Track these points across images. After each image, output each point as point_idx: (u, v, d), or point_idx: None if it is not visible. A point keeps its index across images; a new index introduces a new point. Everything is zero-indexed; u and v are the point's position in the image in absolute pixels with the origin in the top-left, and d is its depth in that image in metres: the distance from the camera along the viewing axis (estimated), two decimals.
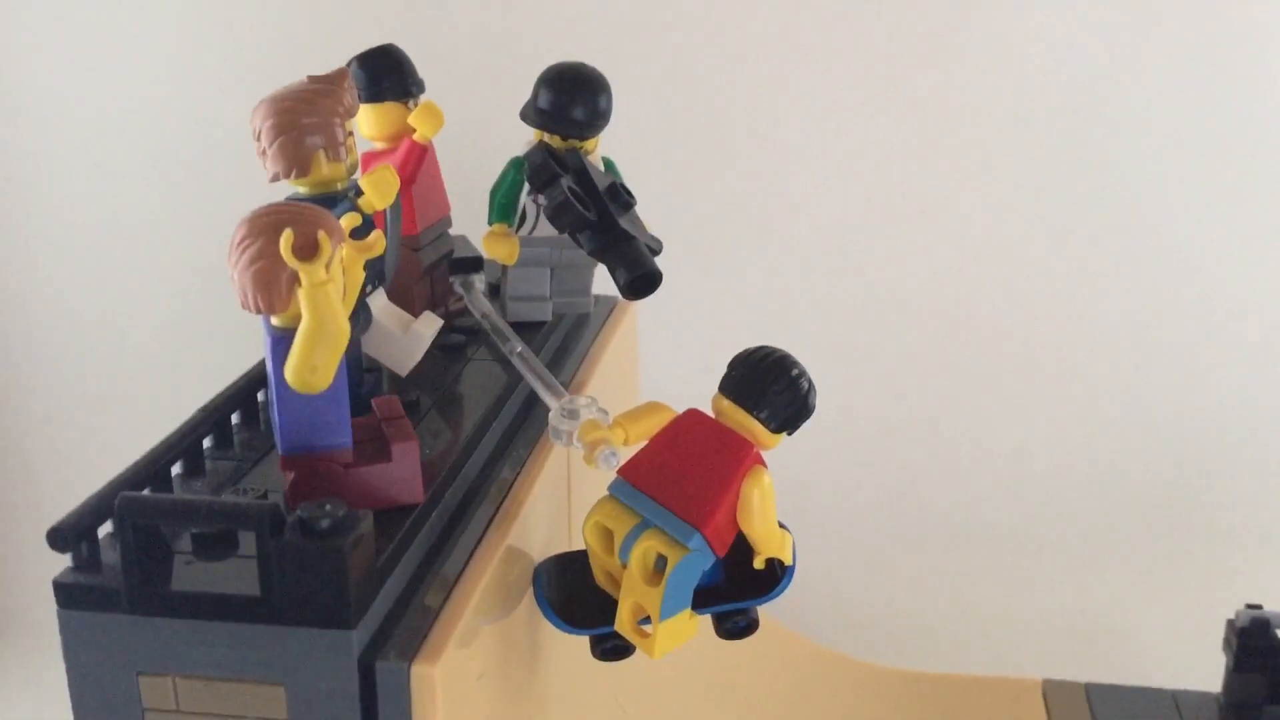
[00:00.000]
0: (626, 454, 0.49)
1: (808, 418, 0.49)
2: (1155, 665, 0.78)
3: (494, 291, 0.67)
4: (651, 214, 0.61)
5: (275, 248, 0.40)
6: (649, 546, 0.47)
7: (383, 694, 0.40)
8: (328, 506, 0.39)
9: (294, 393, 0.42)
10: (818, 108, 0.96)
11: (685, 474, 0.48)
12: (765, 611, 0.77)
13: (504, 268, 0.63)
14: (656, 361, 0.79)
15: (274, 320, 0.42)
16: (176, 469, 0.47)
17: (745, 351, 0.49)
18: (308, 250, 0.41)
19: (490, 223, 0.61)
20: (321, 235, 0.41)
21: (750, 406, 0.48)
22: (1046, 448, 0.96)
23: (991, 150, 0.96)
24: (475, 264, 0.66)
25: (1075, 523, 0.92)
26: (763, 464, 0.48)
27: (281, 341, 0.42)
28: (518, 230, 0.62)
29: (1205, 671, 0.75)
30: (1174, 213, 0.96)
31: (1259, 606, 0.72)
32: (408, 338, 0.54)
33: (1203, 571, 0.85)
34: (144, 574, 0.39)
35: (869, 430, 0.99)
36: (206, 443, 0.49)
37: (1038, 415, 0.96)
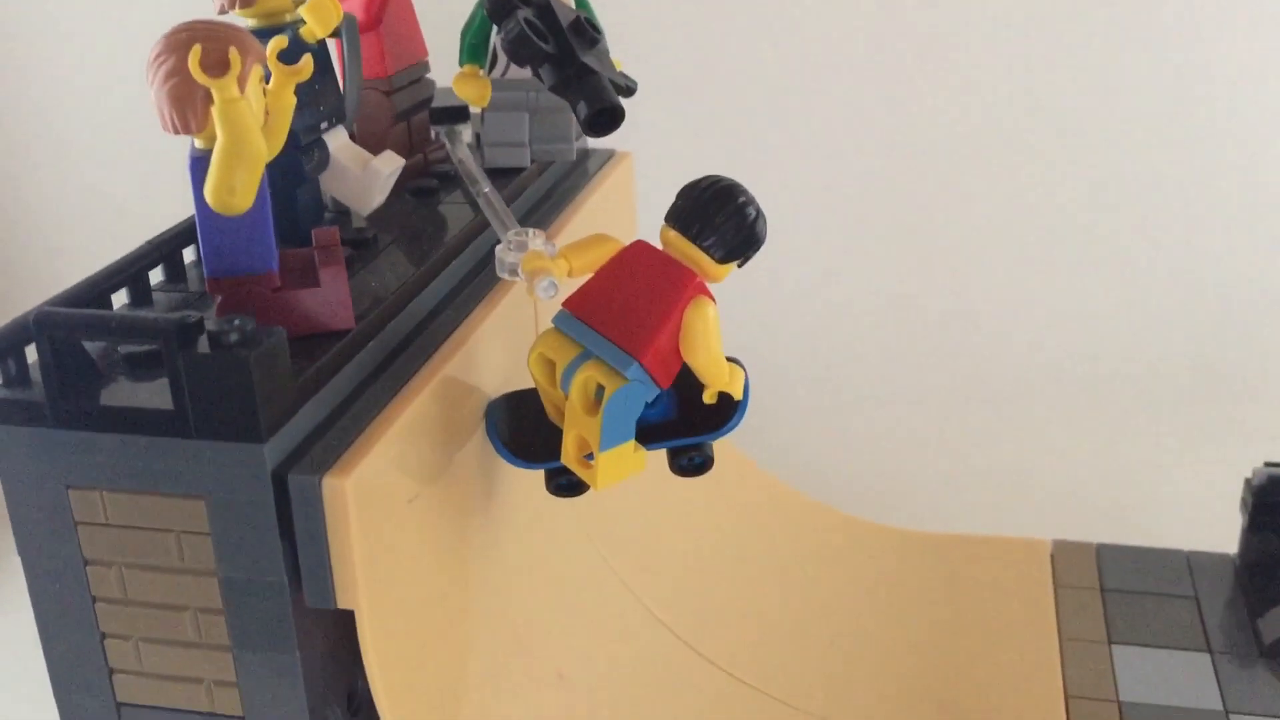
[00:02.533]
0: (572, 286, 0.49)
1: (756, 248, 0.48)
2: (1173, 528, 0.76)
3: (480, 143, 0.67)
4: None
5: (187, 65, 0.40)
6: (588, 376, 0.47)
7: (296, 507, 0.40)
8: (236, 321, 0.39)
9: (216, 215, 0.42)
10: None
11: (628, 305, 0.47)
12: (768, 469, 0.77)
13: (483, 113, 0.62)
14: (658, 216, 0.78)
15: (196, 142, 0.43)
16: (124, 298, 0.48)
17: (693, 181, 0.48)
18: (218, 67, 0.40)
19: (460, 64, 0.60)
20: (232, 51, 0.40)
21: (695, 236, 0.47)
22: (1063, 315, 0.95)
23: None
24: (459, 114, 0.65)
25: (1091, 389, 0.90)
26: (707, 294, 0.47)
27: (199, 162, 0.42)
28: (489, 72, 0.61)
29: (1223, 534, 0.72)
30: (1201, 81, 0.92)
31: (1278, 465, 0.69)
32: (366, 175, 0.53)
33: (1221, 435, 0.83)
34: (65, 387, 0.40)
35: (886, 296, 0.98)
36: (161, 277, 0.50)
37: (1056, 282, 0.95)
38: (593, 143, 0.74)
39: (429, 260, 0.53)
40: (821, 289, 0.97)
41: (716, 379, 0.48)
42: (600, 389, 0.46)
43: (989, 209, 0.97)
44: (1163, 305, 0.94)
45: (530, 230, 0.50)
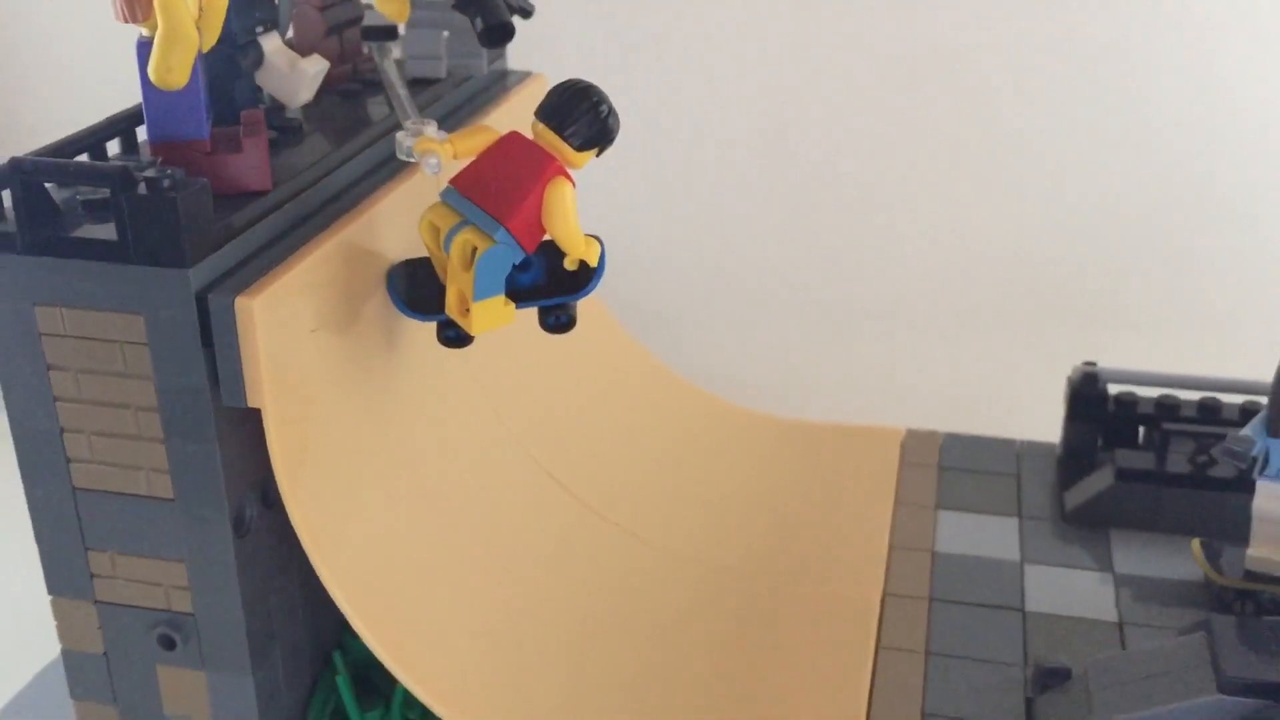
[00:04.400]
0: (456, 168, 0.59)
1: (609, 141, 0.58)
2: (1017, 422, 0.87)
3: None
4: None
5: None
6: (465, 239, 0.57)
7: (215, 322, 0.50)
8: (169, 171, 0.49)
9: (157, 90, 0.52)
10: None
11: (500, 182, 0.57)
12: (651, 348, 0.87)
13: (407, 29, 0.72)
14: None
15: (142, 30, 0.53)
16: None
17: (559, 83, 0.58)
18: None
19: None
20: None
21: (557, 127, 0.57)
22: (921, 233, 1.08)
23: None
24: (389, 32, 0.75)
25: (950, 303, 1.03)
26: (566, 176, 0.57)
27: (144, 46, 0.52)
28: None
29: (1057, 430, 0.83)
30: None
31: (1093, 364, 0.80)
32: (293, 74, 0.63)
33: (1056, 341, 0.94)
34: (32, 221, 0.50)
35: (768, 204, 1.10)
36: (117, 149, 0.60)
37: (918, 203, 1.08)
38: (512, 63, 0.84)
39: (345, 144, 0.63)
40: (722, 210, 1.10)
41: (574, 248, 0.58)
42: (475, 250, 0.57)
43: (851, 136, 1.09)
44: (1009, 228, 1.08)
45: (426, 120, 0.60)
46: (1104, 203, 1.07)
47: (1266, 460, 0.64)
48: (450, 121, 0.72)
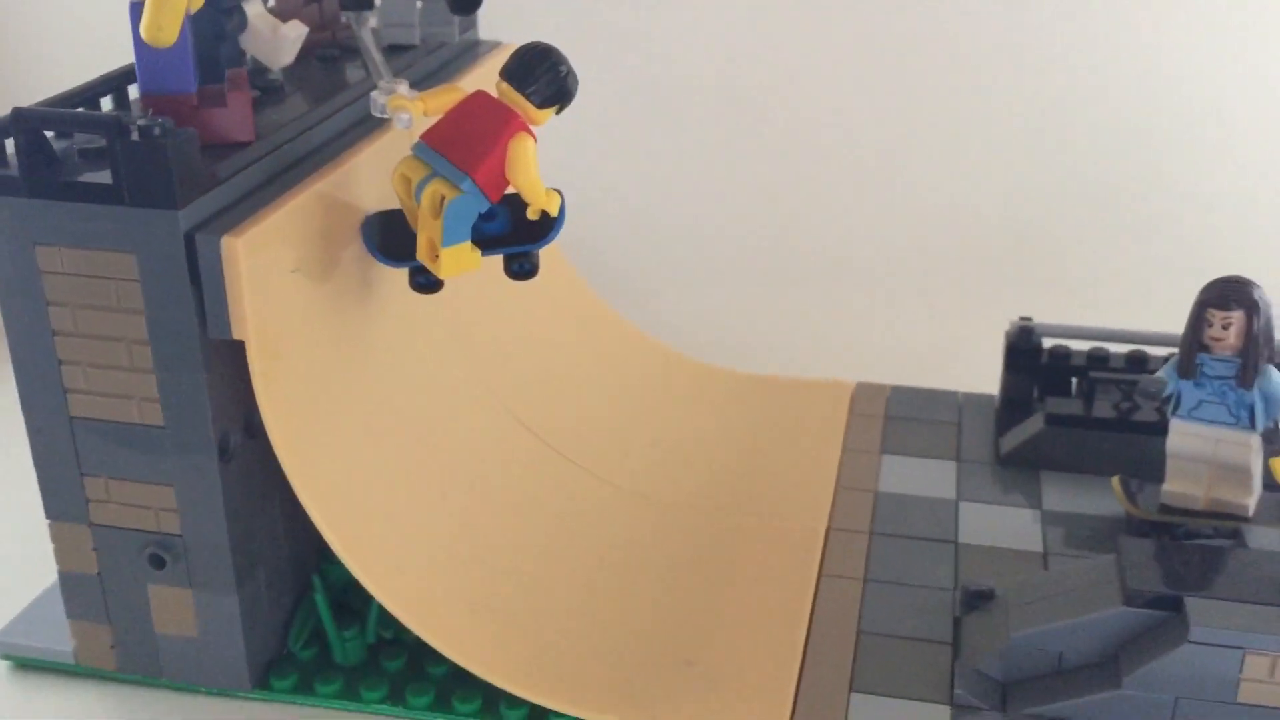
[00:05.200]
0: (427, 124, 0.63)
1: (568, 99, 0.62)
2: (962, 376, 0.92)
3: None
4: None
5: None
6: (434, 189, 0.61)
7: (202, 260, 0.55)
8: (160, 121, 0.54)
9: (149, 47, 0.57)
10: None
11: (467, 136, 0.62)
12: (616, 305, 0.92)
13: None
14: None
15: None
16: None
17: (522, 45, 0.63)
18: None
19: None
20: None
21: (519, 86, 0.61)
22: (874, 200, 1.14)
23: None
24: (366, 2, 0.79)
25: (903, 265, 1.09)
26: (528, 131, 0.62)
27: (136, 8, 0.56)
28: None
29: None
30: None
31: (1029, 319, 0.85)
32: (275, 38, 0.68)
33: (999, 298, 0.99)
34: (34, 166, 0.55)
35: (729, 168, 1.15)
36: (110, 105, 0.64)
37: (870, 172, 1.15)
38: (484, 33, 0.89)
39: (324, 103, 0.67)
40: (682, 174, 1.16)
41: (535, 198, 0.62)
42: (443, 199, 0.61)
43: (802, 101, 1.14)
44: (954, 194, 1.14)
45: (399, 80, 0.64)
46: (1042, 170, 1.13)
47: (1179, 401, 0.69)
48: (423, 85, 0.76)
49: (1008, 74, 1.12)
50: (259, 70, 0.71)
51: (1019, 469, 0.80)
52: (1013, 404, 0.85)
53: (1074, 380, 0.84)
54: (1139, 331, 0.83)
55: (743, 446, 0.83)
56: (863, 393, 0.90)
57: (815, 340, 1.00)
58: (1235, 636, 0.56)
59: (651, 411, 0.85)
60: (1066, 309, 0.88)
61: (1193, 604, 0.58)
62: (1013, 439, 0.82)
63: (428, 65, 0.79)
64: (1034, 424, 0.81)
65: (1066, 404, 0.81)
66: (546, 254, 0.66)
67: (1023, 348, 0.84)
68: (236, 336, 0.56)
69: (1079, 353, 0.84)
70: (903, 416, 0.87)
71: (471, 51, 0.85)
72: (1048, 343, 0.84)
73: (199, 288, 0.56)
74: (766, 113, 1.15)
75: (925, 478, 0.80)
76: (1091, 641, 0.60)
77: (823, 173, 1.14)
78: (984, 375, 0.90)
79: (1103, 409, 0.80)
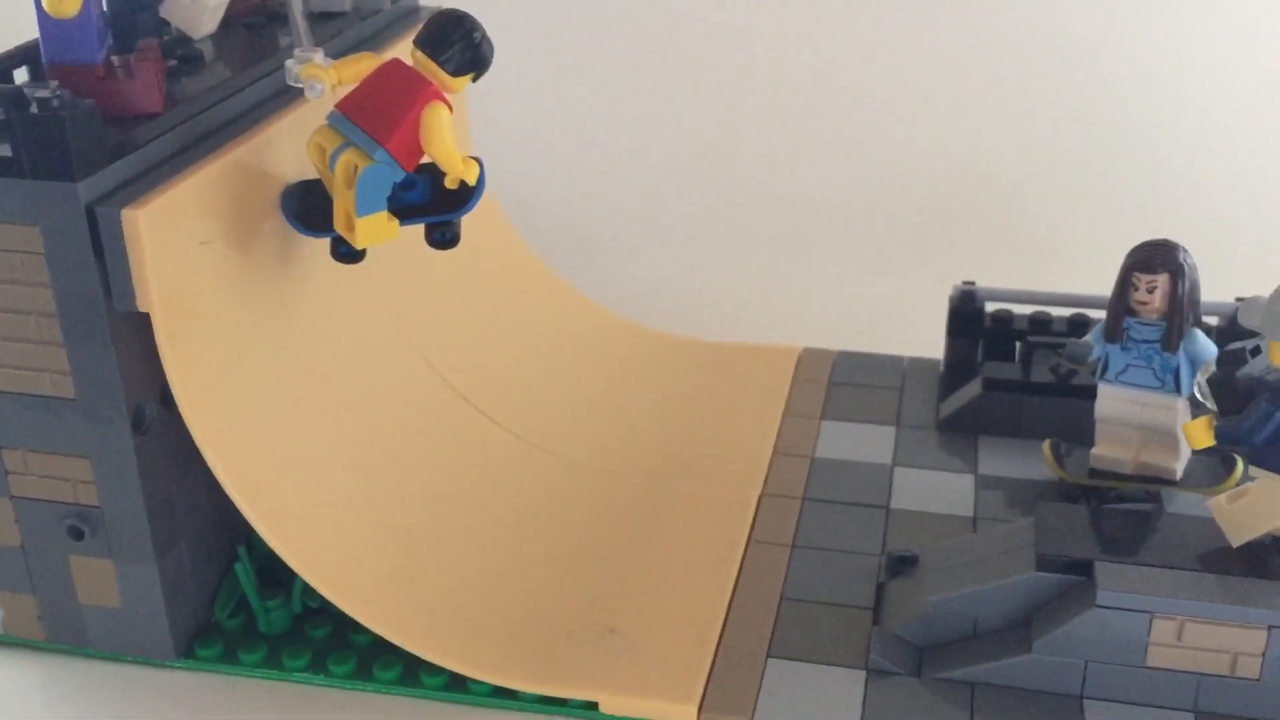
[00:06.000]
0: (343, 93, 0.63)
1: (483, 67, 0.62)
2: (908, 340, 0.91)
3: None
4: None
5: None
6: (348, 159, 0.61)
7: (104, 232, 0.55)
8: (59, 92, 0.54)
9: (52, 17, 0.56)
10: None
11: (380, 105, 0.61)
12: (559, 270, 0.91)
13: None
14: None
15: None
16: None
17: (436, 12, 0.62)
18: None
19: None
20: None
21: (433, 54, 0.61)
22: (821, 166, 1.14)
23: None
24: None
25: (851, 232, 1.08)
26: (442, 100, 0.61)
27: None
28: None
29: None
30: None
31: (972, 283, 0.84)
32: (195, 6, 0.68)
33: (943, 263, 0.99)
34: None
35: (674, 133, 1.15)
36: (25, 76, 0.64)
37: (816, 138, 1.15)
38: (424, 1, 0.88)
39: (243, 72, 0.67)
40: (629, 138, 1.16)
41: (452, 167, 0.62)
42: (357, 168, 0.61)
43: (750, 65, 1.14)
44: (900, 159, 1.14)
45: (314, 48, 0.64)
46: (990, 133, 1.13)
47: (1106, 365, 0.69)
48: (354, 52, 0.76)
49: (951, 38, 1.12)
50: (182, 39, 0.71)
51: (958, 434, 0.80)
52: (956, 369, 0.85)
53: (1017, 345, 0.84)
54: (1082, 295, 0.82)
55: (683, 412, 0.83)
56: (809, 357, 0.90)
57: (765, 305, 0.99)
58: (1143, 601, 0.56)
59: (591, 377, 0.85)
60: (1020, 273, 0.88)
61: (1102, 569, 0.58)
62: (952, 404, 0.81)
63: (360, 32, 0.78)
64: (972, 389, 0.81)
65: (1004, 368, 0.81)
66: (486, 218, 0.66)
67: (966, 312, 0.84)
68: (142, 309, 0.56)
69: (1021, 316, 0.83)
70: (847, 382, 0.86)
71: (407, 19, 0.84)
72: (991, 306, 0.84)
73: (102, 260, 0.56)
74: (711, 76, 1.14)
75: (863, 443, 0.80)
76: (1005, 606, 0.60)
77: (768, 137, 1.14)
78: (935, 340, 0.90)
79: (1041, 373, 0.79)
